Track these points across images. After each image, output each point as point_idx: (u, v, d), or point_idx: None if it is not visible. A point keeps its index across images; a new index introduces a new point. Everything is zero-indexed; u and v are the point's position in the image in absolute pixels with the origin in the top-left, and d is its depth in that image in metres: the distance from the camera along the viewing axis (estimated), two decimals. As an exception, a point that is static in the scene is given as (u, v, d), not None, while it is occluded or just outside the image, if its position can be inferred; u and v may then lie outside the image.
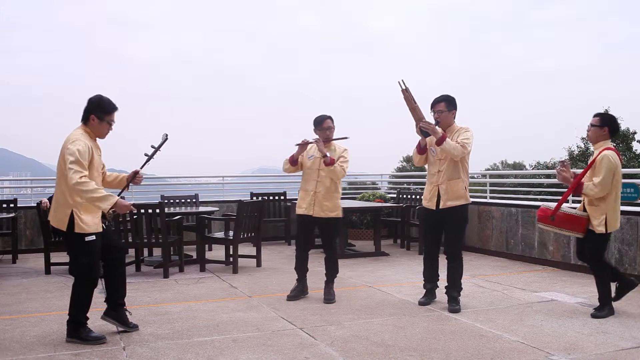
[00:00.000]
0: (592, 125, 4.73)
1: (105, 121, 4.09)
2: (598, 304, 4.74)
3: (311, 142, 5.27)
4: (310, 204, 5.26)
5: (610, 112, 4.76)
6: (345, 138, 5.36)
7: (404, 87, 4.69)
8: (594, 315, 4.62)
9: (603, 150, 4.63)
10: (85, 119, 4.08)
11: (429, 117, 4.88)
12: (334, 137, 5.33)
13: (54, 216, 4.03)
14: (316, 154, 5.29)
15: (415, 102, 4.75)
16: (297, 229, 5.53)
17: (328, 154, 5.17)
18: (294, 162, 5.36)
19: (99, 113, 4.06)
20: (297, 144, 5.33)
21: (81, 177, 3.80)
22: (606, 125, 4.69)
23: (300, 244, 5.46)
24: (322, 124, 5.29)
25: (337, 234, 5.47)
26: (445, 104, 4.85)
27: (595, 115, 4.77)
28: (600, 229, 4.59)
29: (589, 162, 4.73)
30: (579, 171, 4.89)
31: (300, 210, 5.34)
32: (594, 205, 4.63)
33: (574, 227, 4.67)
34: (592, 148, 5.19)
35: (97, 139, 4.16)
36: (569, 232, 4.77)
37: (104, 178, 4.30)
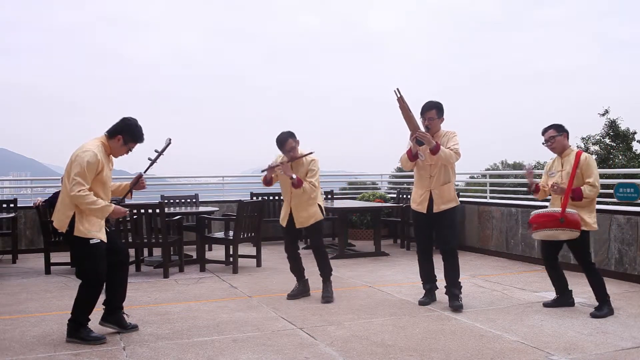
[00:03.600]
0: (553, 137, 4.85)
1: (127, 146, 4.15)
2: (598, 304, 4.74)
3: (276, 167, 5.15)
4: (287, 215, 5.35)
5: (562, 122, 4.99)
6: (310, 153, 5.25)
7: (399, 96, 4.65)
8: (593, 315, 4.62)
9: (579, 153, 4.74)
10: (111, 135, 4.11)
11: (419, 122, 4.87)
12: (298, 155, 5.19)
13: (55, 217, 4.05)
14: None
15: (410, 111, 4.73)
16: (283, 233, 5.61)
17: (294, 176, 5.09)
18: (267, 182, 5.28)
19: (127, 137, 4.12)
20: (263, 170, 5.23)
21: (80, 190, 3.86)
22: (563, 131, 4.87)
23: (285, 247, 5.54)
24: (285, 146, 5.13)
25: (320, 235, 5.46)
26: (436, 112, 4.93)
27: (547, 129, 4.90)
28: (595, 227, 4.76)
29: (571, 168, 4.69)
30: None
31: (281, 219, 5.45)
32: (581, 206, 4.70)
33: (577, 226, 4.66)
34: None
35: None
36: (571, 233, 4.68)
37: None
